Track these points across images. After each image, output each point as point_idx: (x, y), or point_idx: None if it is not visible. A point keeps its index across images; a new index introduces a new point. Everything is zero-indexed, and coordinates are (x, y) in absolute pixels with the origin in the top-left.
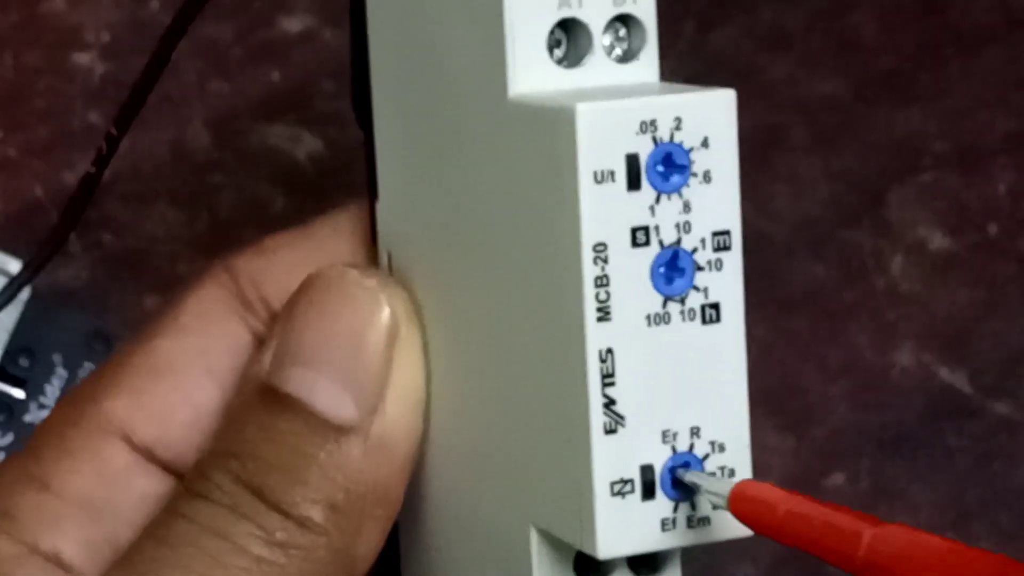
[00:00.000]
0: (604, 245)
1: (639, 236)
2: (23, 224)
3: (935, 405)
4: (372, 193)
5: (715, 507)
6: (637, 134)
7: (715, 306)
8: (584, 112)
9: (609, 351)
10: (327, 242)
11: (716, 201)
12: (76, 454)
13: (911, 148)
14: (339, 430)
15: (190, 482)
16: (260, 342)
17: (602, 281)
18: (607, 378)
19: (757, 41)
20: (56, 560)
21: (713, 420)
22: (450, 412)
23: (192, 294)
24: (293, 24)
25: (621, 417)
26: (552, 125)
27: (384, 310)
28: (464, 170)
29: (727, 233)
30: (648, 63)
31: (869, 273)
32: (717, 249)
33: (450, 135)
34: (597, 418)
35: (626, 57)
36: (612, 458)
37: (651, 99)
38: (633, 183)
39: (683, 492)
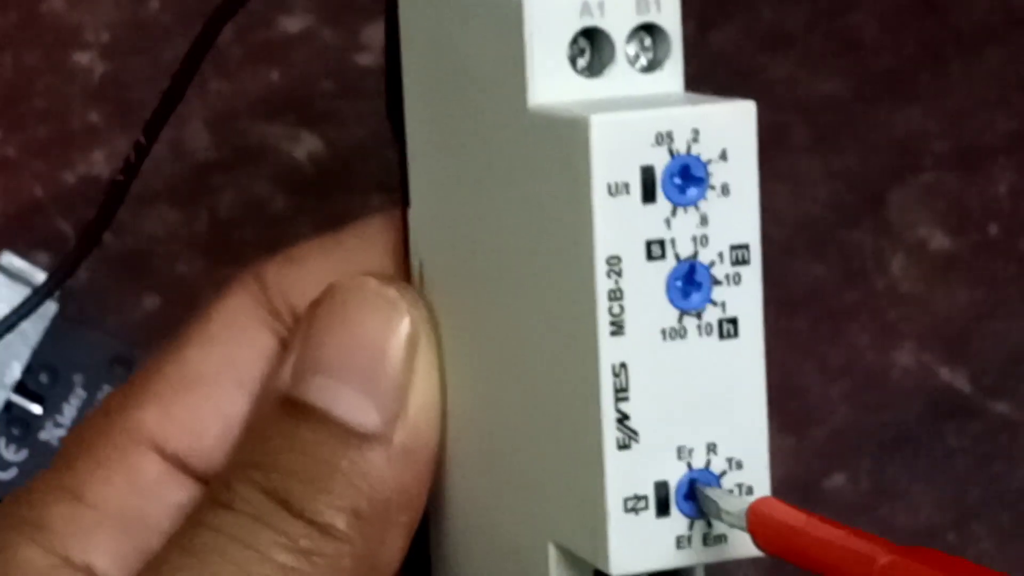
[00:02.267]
0: (618, 258)
1: (654, 249)
2: (23, 224)
3: (936, 405)
4: (404, 200)
5: (731, 526)
6: (653, 146)
7: (733, 321)
8: (598, 123)
9: (623, 365)
10: (356, 250)
11: (734, 214)
12: (108, 465)
13: (912, 148)
14: (362, 438)
15: (214, 492)
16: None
17: (616, 295)
18: (620, 392)
19: (757, 41)
20: (88, 572)
21: (730, 437)
22: (470, 422)
23: (220, 303)
24: (293, 24)
25: (635, 432)
26: (567, 136)
27: (404, 319)
28: (487, 180)
29: (746, 247)
30: (672, 73)
31: (869, 273)
32: (735, 263)
33: (475, 144)
34: (610, 433)
35: (650, 67)
36: (626, 474)
37: (668, 110)
38: (648, 195)
39: (699, 510)
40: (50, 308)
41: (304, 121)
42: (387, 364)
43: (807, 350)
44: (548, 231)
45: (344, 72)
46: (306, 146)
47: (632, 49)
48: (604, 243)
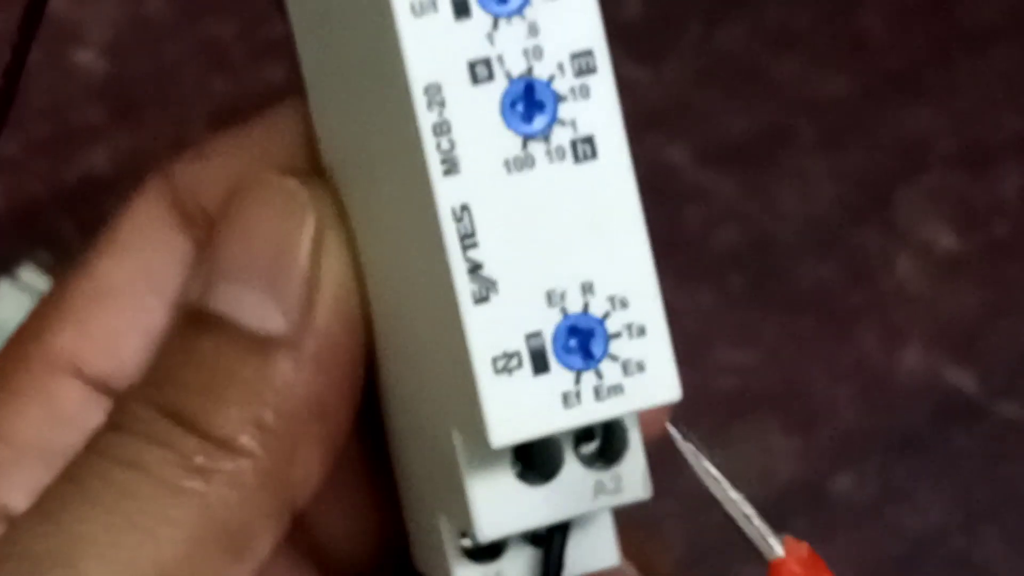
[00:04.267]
0: (437, 86)
1: (479, 70)
2: (23, 221)
3: (942, 406)
4: (303, 85)
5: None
6: None
7: (588, 140)
8: None
9: (464, 208)
10: (267, 142)
11: (569, 17)
12: (23, 395)
13: (918, 148)
14: (266, 344)
15: (110, 416)
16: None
17: (442, 128)
18: (467, 239)
19: (764, 40)
20: (4, 512)
21: (608, 272)
22: (386, 318)
23: (129, 210)
24: None
25: (492, 282)
26: None
27: (307, 213)
28: (344, 39)
29: (589, 53)
30: None
31: (876, 273)
32: (580, 73)
33: (328, 7)
34: (463, 286)
35: None
36: (489, 330)
37: None
38: (461, 10)
39: (586, 359)
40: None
41: None
42: (291, 264)
43: (813, 351)
44: (380, 77)
45: None
46: None
47: None
48: (417, 71)
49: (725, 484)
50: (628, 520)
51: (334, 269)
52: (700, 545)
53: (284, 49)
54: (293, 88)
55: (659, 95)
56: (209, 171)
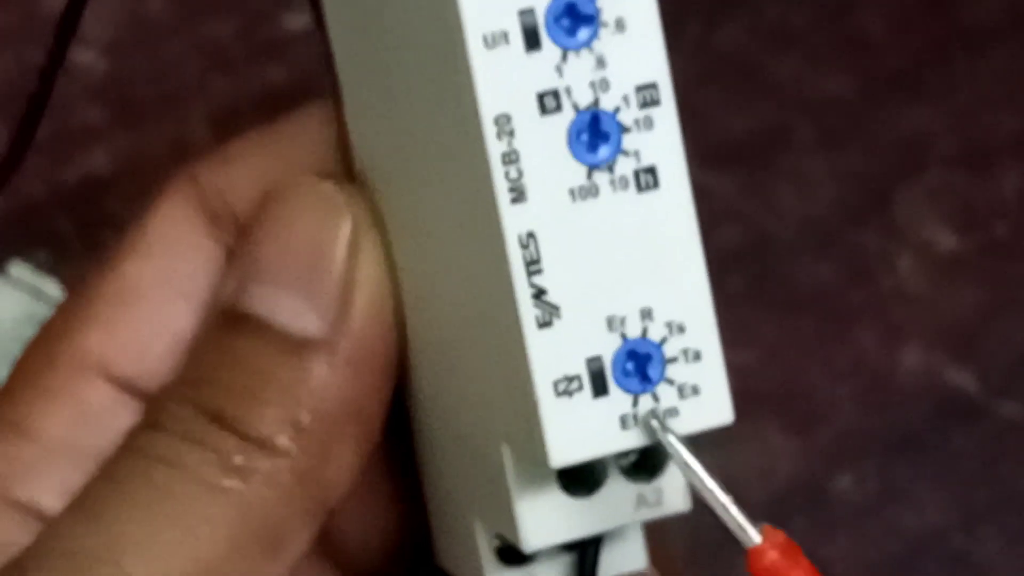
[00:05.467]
0: (508, 116)
1: (548, 101)
2: (23, 222)
3: (942, 406)
4: (336, 89)
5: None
6: None
7: (650, 170)
8: None
9: (530, 235)
10: (294, 143)
11: (635, 51)
12: (51, 395)
13: (918, 147)
14: (303, 346)
15: (146, 415)
16: (232, 256)
17: (511, 157)
18: (532, 265)
19: (763, 39)
20: (35, 510)
21: (666, 298)
22: (426, 325)
23: (155, 211)
24: (295, 21)
25: (555, 307)
26: None
27: (344, 217)
28: (398, 58)
29: (654, 86)
30: None
31: (876, 273)
32: (644, 105)
33: (367, 10)
34: (527, 311)
35: None
36: (552, 354)
37: None
38: (532, 42)
39: (644, 382)
40: (43, 310)
41: None
42: (327, 267)
43: (813, 351)
44: (444, 102)
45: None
46: None
47: None
48: (488, 101)
49: (703, 474)
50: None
51: (369, 273)
52: (700, 545)
53: (284, 49)
54: (294, 88)
55: None
56: (237, 174)
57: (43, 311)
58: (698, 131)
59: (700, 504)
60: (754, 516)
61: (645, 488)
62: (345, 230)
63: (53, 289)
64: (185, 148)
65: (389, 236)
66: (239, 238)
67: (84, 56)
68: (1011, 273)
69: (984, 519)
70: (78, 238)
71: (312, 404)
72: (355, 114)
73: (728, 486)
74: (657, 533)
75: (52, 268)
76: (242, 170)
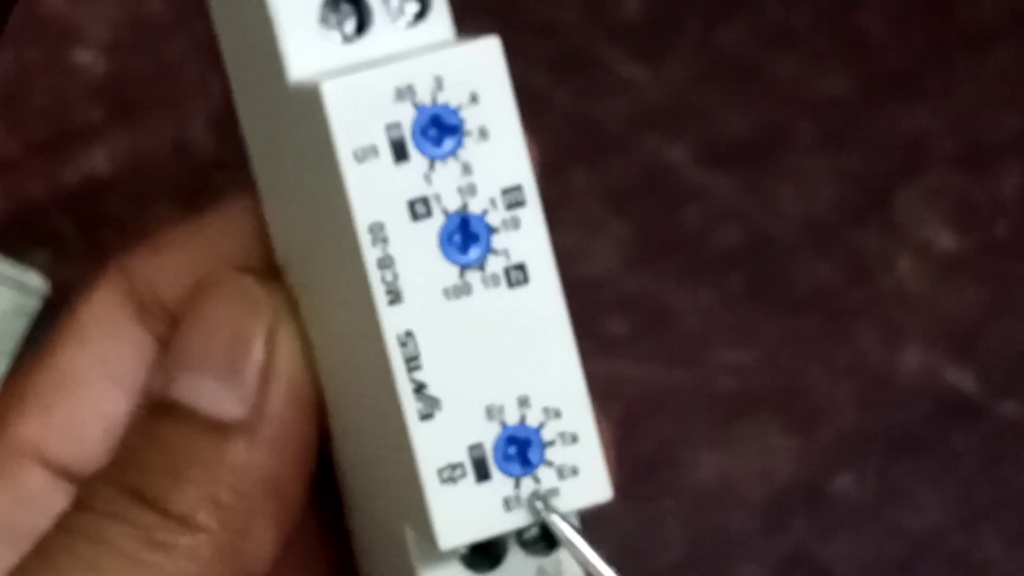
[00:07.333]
0: (380, 224)
1: (418, 208)
2: (23, 222)
3: (942, 406)
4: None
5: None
6: (395, 102)
7: (520, 267)
8: (330, 90)
9: (408, 333)
10: (220, 236)
11: (499, 157)
12: None
13: (918, 147)
14: (223, 428)
15: (77, 496)
16: (162, 345)
17: (386, 262)
18: (412, 361)
19: (763, 39)
20: None
21: (541, 386)
22: (339, 411)
23: (88, 300)
24: None
25: (436, 400)
26: (309, 107)
27: (263, 311)
28: (291, 160)
29: (519, 188)
30: (439, 20)
31: (876, 273)
32: (510, 207)
33: (273, 125)
34: (410, 405)
35: (418, 17)
36: (435, 444)
37: (402, 64)
38: (400, 154)
39: (524, 466)
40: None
41: None
42: (248, 356)
43: (813, 351)
44: (327, 209)
45: None
46: None
47: (395, 2)
48: (362, 211)
49: (586, 548)
50: (628, 522)
51: (287, 360)
52: (700, 545)
53: None
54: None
55: (658, 94)
56: (165, 265)
57: (32, 303)
58: (698, 131)
59: (699, 508)
60: (754, 516)
61: (544, 561)
62: (264, 321)
63: (36, 281)
64: (185, 148)
65: (306, 325)
66: (170, 330)
67: (84, 56)
68: (1011, 273)
69: (984, 519)
70: (78, 238)
71: (231, 482)
72: (271, 211)
73: (728, 486)
74: None
75: (52, 268)
76: (170, 262)
